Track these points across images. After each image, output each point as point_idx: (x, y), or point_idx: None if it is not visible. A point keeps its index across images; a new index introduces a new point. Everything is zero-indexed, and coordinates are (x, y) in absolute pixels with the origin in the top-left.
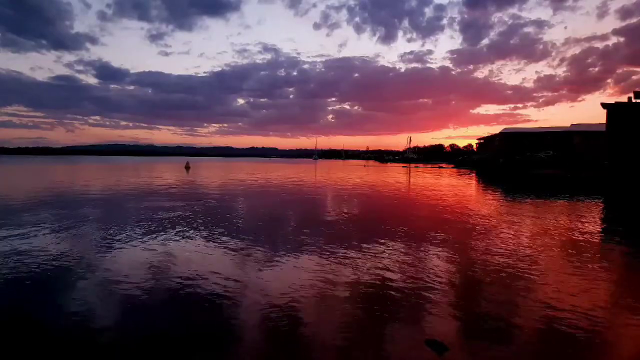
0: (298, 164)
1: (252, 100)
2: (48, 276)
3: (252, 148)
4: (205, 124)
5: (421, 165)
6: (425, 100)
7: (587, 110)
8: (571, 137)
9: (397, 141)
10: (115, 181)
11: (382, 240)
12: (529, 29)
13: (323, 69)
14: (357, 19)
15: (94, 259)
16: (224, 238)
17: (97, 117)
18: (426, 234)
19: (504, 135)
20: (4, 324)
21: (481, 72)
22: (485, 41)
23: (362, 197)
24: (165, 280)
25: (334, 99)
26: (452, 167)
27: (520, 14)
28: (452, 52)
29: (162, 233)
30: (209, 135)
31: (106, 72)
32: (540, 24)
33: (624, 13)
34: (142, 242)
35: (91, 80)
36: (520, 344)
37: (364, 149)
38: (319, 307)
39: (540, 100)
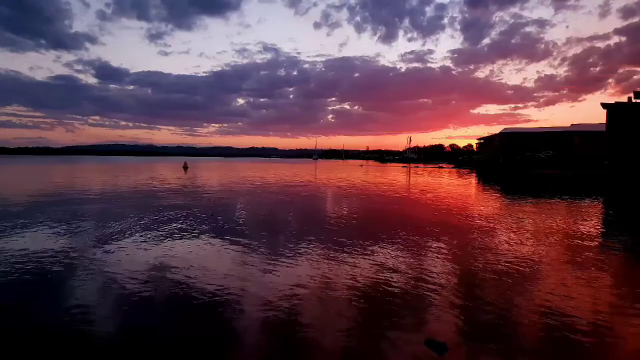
0: (298, 164)
1: (252, 100)
2: (48, 275)
3: (252, 148)
4: (205, 124)
5: (421, 165)
6: (425, 100)
7: (588, 110)
8: (571, 137)
9: (397, 141)
10: (114, 182)
11: (382, 240)
12: (531, 29)
13: (323, 69)
14: (357, 18)
15: (92, 259)
16: (222, 238)
17: (97, 117)
18: (426, 234)
19: (504, 135)
20: (5, 324)
21: (482, 72)
22: (486, 40)
23: (362, 198)
24: (164, 281)
25: (334, 98)
26: (452, 167)
27: (521, 13)
28: (452, 51)
29: (158, 233)
30: (209, 135)
31: (105, 72)
32: (541, 23)
33: (626, 12)
34: (139, 242)
35: (90, 80)
36: (521, 344)
37: (364, 149)
38: (319, 307)
39: (541, 100)
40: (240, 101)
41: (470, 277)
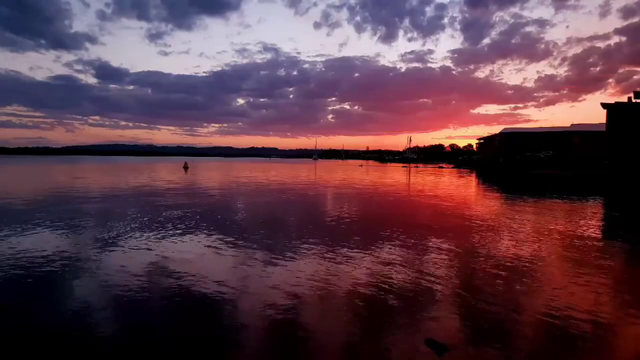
0: (298, 164)
1: (252, 100)
2: (48, 275)
3: (252, 148)
4: (205, 124)
5: (421, 165)
6: (425, 100)
7: (588, 110)
8: (571, 137)
9: (397, 141)
10: (114, 181)
11: (382, 240)
12: (531, 28)
13: (323, 69)
14: (357, 18)
15: (92, 258)
16: (221, 237)
17: (97, 117)
18: (426, 234)
19: (504, 135)
20: (5, 324)
21: (482, 72)
22: (486, 40)
23: (361, 198)
24: (164, 280)
25: (334, 98)
26: (452, 167)
27: (521, 13)
28: (452, 51)
29: (159, 232)
30: (209, 135)
31: (105, 72)
32: (541, 23)
33: (626, 12)
34: (140, 242)
35: (90, 80)
36: (521, 344)
37: (364, 149)
38: (319, 307)
39: (541, 100)
40: (240, 101)
41: (471, 276)
